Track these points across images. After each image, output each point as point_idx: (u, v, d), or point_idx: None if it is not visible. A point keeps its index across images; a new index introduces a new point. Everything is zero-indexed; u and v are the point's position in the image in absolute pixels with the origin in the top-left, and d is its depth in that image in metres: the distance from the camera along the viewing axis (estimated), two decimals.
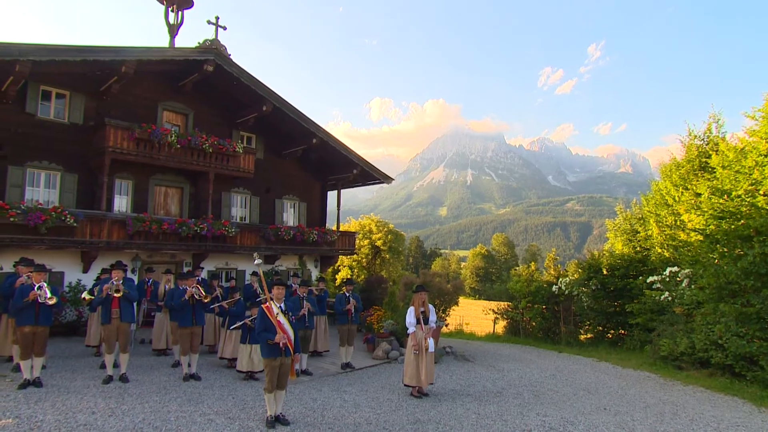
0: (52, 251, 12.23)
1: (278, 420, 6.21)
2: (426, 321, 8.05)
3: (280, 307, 6.39)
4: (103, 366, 8.19)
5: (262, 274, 6.97)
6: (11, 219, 10.94)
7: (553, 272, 17.24)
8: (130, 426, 5.84)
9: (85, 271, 12.85)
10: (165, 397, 7.13)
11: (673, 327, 11.42)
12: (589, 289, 14.53)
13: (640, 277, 13.84)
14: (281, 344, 6.15)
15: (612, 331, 15.03)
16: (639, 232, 17.67)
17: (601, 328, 15.09)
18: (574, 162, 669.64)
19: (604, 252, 17.74)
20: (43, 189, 12.92)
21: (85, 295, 9.24)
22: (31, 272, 7.82)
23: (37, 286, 7.45)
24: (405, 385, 8.04)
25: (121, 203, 14.34)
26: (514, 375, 10.01)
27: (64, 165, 13.22)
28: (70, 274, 12.73)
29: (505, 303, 17.63)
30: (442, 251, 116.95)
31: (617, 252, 17.08)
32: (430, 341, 7.96)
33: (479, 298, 64.30)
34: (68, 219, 11.59)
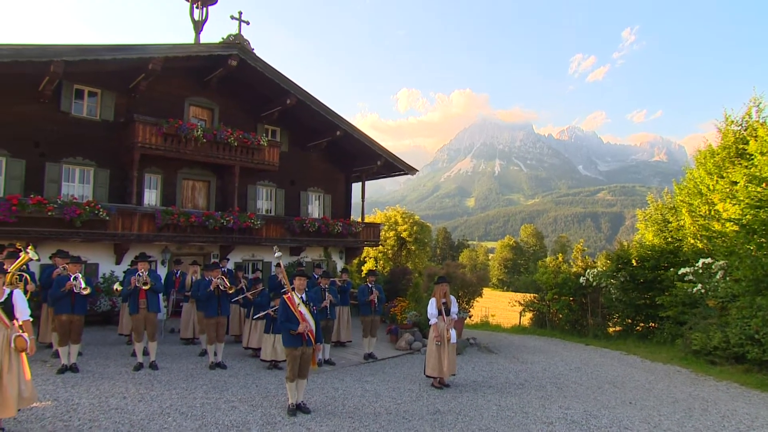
0: (87, 244, 12.73)
1: (299, 408, 6.33)
2: (448, 312, 8.04)
3: (302, 297, 6.49)
4: (134, 354, 8.52)
5: (282, 265, 7.08)
6: (49, 213, 11.44)
7: (580, 263, 16.88)
8: (158, 411, 6.07)
9: (118, 262, 13.33)
10: (192, 384, 7.36)
11: (706, 320, 11.03)
12: (618, 280, 14.18)
13: (672, 269, 13.41)
14: (302, 334, 6.26)
15: (641, 324, 14.65)
16: (670, 222, 17.08)
17: (630, 320, 14.72)
18: (605, 151, 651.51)
19: (634, 243, 17.25)
20: (77, 184, 13.46)
21: (116, 286, 9.60)
22: (67, 264, 8.18)
23: (72, 276, 7.80)
24: (426, 375, 8.07)
25: (151, 197, 14.79)
26: (538, 367, 9.90)
27: (97, 161, 13.70)
28: (104, 265, 13.23)
29: (532, 295, 17.40)
30: (469, 242, 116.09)
31: (647, 243, 16.57)
32: (452, 332, 7.95)
33: (507, 290, 63.67)
34: (101, 213, 12.04)
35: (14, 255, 8.00)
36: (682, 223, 16.34)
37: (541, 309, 16.62)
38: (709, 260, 12.12)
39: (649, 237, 17.80)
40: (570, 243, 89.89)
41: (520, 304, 17.41)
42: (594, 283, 14.35)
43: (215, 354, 8.57)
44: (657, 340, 13.16)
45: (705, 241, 14.62)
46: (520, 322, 18.42)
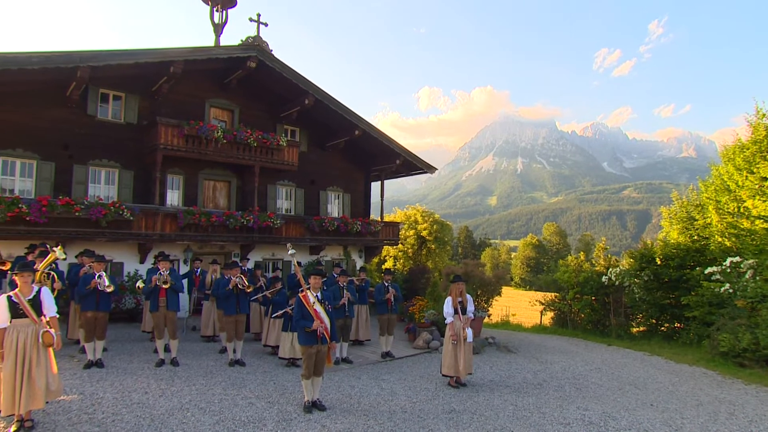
0: (112, 243, 13.10)
1: (315, 405, 6.40)
2: (464, 311, 8.00)
3: (317, 296, 6.56)
4: (156, 350, 8.73)
5: (296, 263, 7.15)
6: (76, 213, 11.82)
7: (602, 262, 16.55)
8: (178, 406, 6.21)
9: (142, 261, 13.67)
10: (211, 380, 7.51)
11: (735, 321, 10.69)
12: (641, 279, 13.85)
13: (698, 268, 13.03)
14: (318, 332, 6.32)
15: (666, 324, 14.28)
16: (696, 220, 16.58)
17: (654, 320, 14.37)
18: (631, 147, 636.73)
19: (658, 241, 16.79)
20: (103, 185, 13.86)
21: (139, 283, 9.85)
22: (92, 262, 8.46)
23: (97, 275, 8.06)
24: (443, 374, 8.04)
25: (173, 197, 15.12)
26: (557, 367, 9.75)
27: (122, 162, 14.08)
28: (129, 264, 13.59)
29: (553, 294, 17.16)
30: (491, 241, 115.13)
31: (672, 241, 16.13)
32: (468, 331, 7.90)
33: (530, 289, 62.89)
34: (125, 213, 12.38)
35: (44, 254, 8.32)
36: (708, 220, 15.87)
37: (562, 308, 16.37)
38: (737, 259, 11.73)
39: (674, 235, 17.33)
40: (594, 241, 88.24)
41: (541, 303, 17.18)
42: (617, 282, 14.05)
43: (234, 351, 8.71)
44: (682, 341, 12.82)
45: (733, 239, 14.17)
46: (541, 322, 18.18)
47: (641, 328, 14.70)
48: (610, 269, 14.40)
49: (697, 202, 17.14)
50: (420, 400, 7.08)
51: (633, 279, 14.05)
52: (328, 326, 6.45)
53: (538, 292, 22.01)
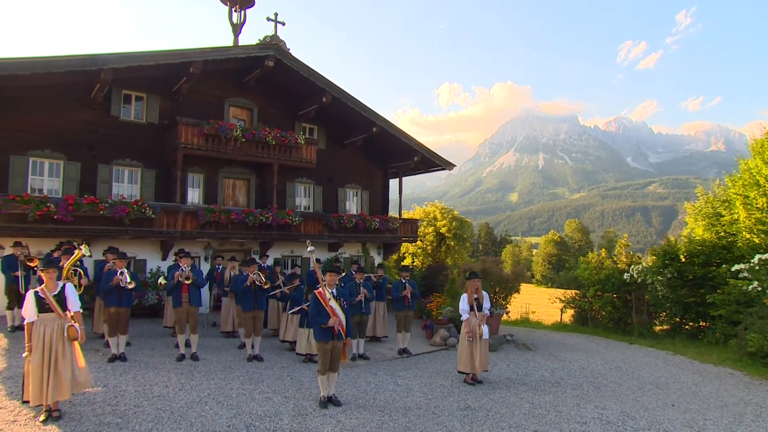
0: (135, 241, 13.42)
1: (331, 401, 6.46)
2: (480, 308, 7.96)
3: (332, 292, 6.61)
4: (177, 345, 8.93)
5: (315, 261, 7.22)
6: (101, 212, 12.14)
7: (624, 259, 16.23)
8: (197, 399, 6.35)
9: (164, 258, 13.97)
10: (229, 375, 7.65)
11: (764, 320, 10.38)
12: (665, 277, 13.54)
13: (724, 265, 12.67)
14: (333, 328, 6.38)
15: (691, 323, 13.94)
16: (723, 216, 16.10)
17: (678, 319, 14.04)
18: (656, 141, 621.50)
19: (683, 238, 16.36)
20: (126, 184, 14.22)
21: (161, 280, 10.06)
22: (115, 259, 8.69)
23: (119, 271, 8.29)
24: (459, 371, 8.03)
25: (194, 195, 15.41)
26: (576, 365, 9.62)
27: (144, 162, 14.41)
28: (151, 261, 13.91)
29: (573, 291, 16.91)
30: (512, 238, 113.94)
31: (697, 238, 15.69)
32: (484, 328, 7.86)
33: (551, 286, 62.04)
34: (147, 211, 12.66)
35: (69, 251, 8.59)
36: (736, 216, 15.39)
37: (582, 306, 16.12)
38: (766, 256, 11.37)
39: (699, 231, 16.86)
40: (617, 238, 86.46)
41: (561, 300, 16.95)
42: (639, 280, 13.77)
43: (252, 347, 8.85)
44: (708, 341, 12.51)
45: (762, 235, 13.72)
46: (561, 319, 17.95)
47: (664, 327, 14.39)
48: (632, 266, 14.12)
49: (724, 198, 16.63)
50: (435, 396, 7.08)
51: (656, 276, 13.76)
52: (344, 322, 6.50)
53: (558, 290, 21.72)
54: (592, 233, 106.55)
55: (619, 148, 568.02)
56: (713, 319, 12.69)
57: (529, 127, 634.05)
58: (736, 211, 15.12)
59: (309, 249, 7.01)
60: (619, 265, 16.15)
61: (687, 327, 13.97)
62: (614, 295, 14.85)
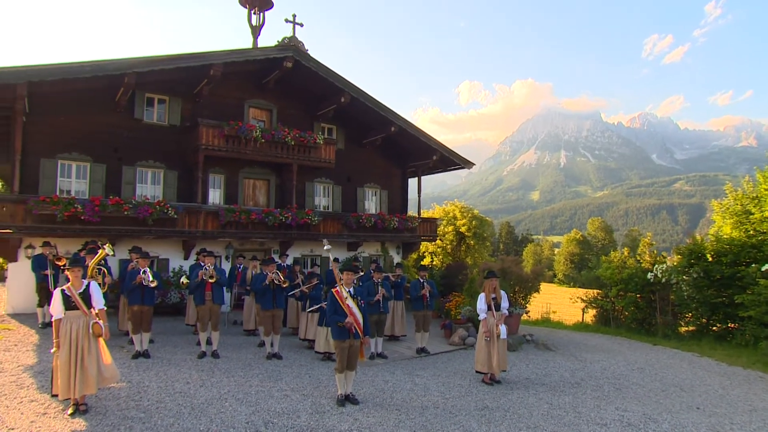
0: (158, 240, 13.72)
1: (348, 399, 6.50)
2: (498, 307, 7.90)
3: (350, 291, 6.64)
4: (198, 343, 9.10)
5: (332, 260, 7.27)
6: (125, 212, 12.46)
7: (648, 258, 15.85)
8: (217, 396, 6.47)
9: (186, 258, 14.25)
10: (249, 372, 7.77)
11: None
12: (690, 276, 13.18)
13: (753, 265, 12.26)
14: (350, 327, 6.41)
15: (718, 324, 13.54)
16: (753, 213, 15.57)
17: (705, 320, 13.65)
18: (682, 138, 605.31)
19: (709, 236, 15.88)
20: (149, 185, 14.56)
21: (183, 279, 10.29)
22: (138, 258, 8.91)
23: (142, 270, 8.49)
24: (476, 371, 7.98)
25: (215, 196, 15.67)
26: (597, 366, 9.46)
27: (166, 163, 14.72)
28: (174, 260, 14.20)
29: (595, 291, 16.62)
30: (534, 237, 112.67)
31: (725, 236, 15.23)
32: (502, 328, 7.80)
33: (573, 286, 61.04)
34: (169, 212, 12.94)
35: (93, 251, 8.83)
36: (766, 214, 14.89)
37: (604, 306, 15.83)
38: None
39: (727, 230, 16.36)
40: (641, 237, 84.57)
41: (582, 300, 16.68)
42: (663, 280, 13.45)
43: (272, 345, 8.96)
44: (737, 343, 12.14)
45: None
46: (582, 320, 17.66)
47: (690, 328, 14.01)
48: (656, 266, 13.79)
49: (754, 194, 16.08)
50: (453, 396, 7.06)
51: (681, 276, 13.41)
52: (361, 321, 6.53)
53: (580, 289, 21.39)
54: (616, 232, 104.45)
55: (643, 145, 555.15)
56: (742, 320, 12.30)
57: (551, 125, 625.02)
58: (767, 208, 14.63)
59: (326, 248, 7.07)
60: (642, 265, 15.79)
61: (714, 328, 13.58)
62: (638, 295, 14.54)
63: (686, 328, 14.06)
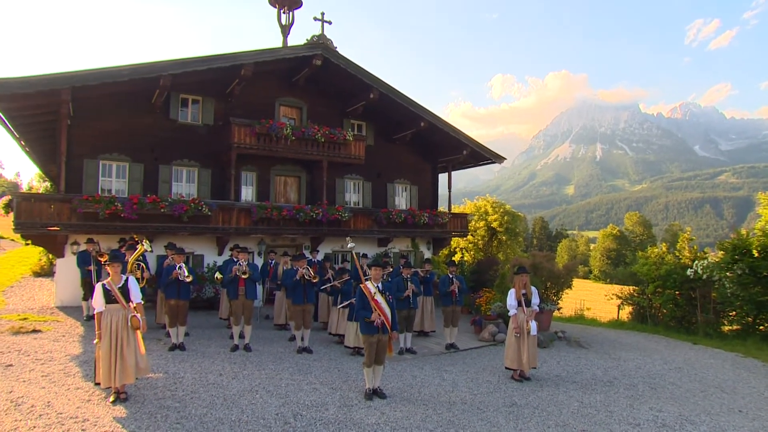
0: (193, 237, 14.16)
1: (376, 393, 6.56)
2: (528, 303, 7.80)
3: (378, 286, 6.70)
4: (231, 336, 9.36)
5: (355, 255, 7.34)
6: (162, 210, 12.91)
7: (687, 254, 15.24)
8: (248, 388, 6.65)
9: (219, 254, 14.64)
10: (279, 366, 7.94)
11: None
12: (734, 273, 12.60)
13: None
14: (377, 322, 6.47)
15: (766, 324, 12.90)
16: None
17: (750, 319, 13.03)
18: (728, 127, 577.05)
19: (756, 231, 15.11)
20: (184, 183, 15.02)
21: (217, 275, 10.58)
22: (174, 254, 9.23)
23: (178, 266, 8.80)
24: (506, 368, 7.91)
25: (247, 193, 16.02)
26: (631, 365, 9.20)
27: (200, 162, 15.15)
28: (208, 256, 14.62)
29: (631, 287, 16.12)
30: (568, 232, 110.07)
31: None
32: (533, 324, 7.70)
33: (610, 282, 59.35)
34: (203, 209, 13.33)
35: (132, 247, 9.21)
36: None
37: (641, 303, 15.34)
38: None
39: None
40: (682, 232, 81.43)
41: (618, 297, 16.20)
42: (704, 276, 12.92)
43: (302, 339, 9.13)
44: None
45: None
46: (618, 317, 17.17)
47: (734, 327, 13.41)
48: (697, 262, 13.26)
49: None
50: (481, 392, 7.02)
51: (724, 273, 12.83)
52: (389, 316, 6.57)
53: (616, 286, 20.80)
54: (655, 227, 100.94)
55: (685, 136, 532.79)
56: None
57: (586, 117, 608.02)
58: None
59: (349, 246, 7.16)
60: (682, 261, 15.19)
61: (761, 328, 12.94)
62: (676, 292, 14.01)
63: (730, 327, 13.46)
